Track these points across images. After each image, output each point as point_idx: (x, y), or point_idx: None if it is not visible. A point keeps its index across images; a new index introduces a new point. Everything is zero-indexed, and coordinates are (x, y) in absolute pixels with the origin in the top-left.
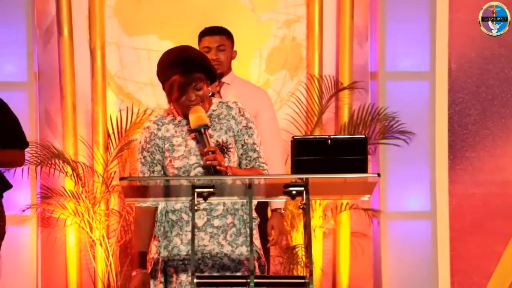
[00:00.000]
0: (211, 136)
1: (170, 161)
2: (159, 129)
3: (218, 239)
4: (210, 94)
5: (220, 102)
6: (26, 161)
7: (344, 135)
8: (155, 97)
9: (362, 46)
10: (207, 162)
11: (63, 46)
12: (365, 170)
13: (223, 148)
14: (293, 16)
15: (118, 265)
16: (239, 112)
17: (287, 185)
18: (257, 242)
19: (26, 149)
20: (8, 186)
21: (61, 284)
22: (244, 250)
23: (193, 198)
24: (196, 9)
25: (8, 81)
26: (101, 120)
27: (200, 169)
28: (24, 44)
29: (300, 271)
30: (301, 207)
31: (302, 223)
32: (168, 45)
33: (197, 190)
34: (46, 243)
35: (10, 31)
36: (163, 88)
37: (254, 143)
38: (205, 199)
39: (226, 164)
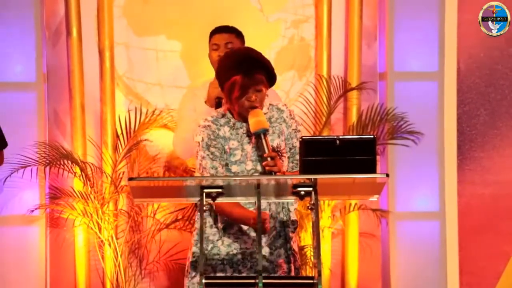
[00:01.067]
0: None
1: (227, 164)
2: (218, 129)
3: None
4: (217, 99)
5: (270, 104)
6: (35, 161)
7: (352, 135)
8: (163, 98)
9: (371, 46)
10: (267, 168)
11: (71, 47)
12: (373, 171)
13: (278, 153)
14: (302, 16)
15: (127, 266)
16: (290, 115)
17: (296, 186)
18: (294, 245)
19: (35, 149)
20: None
21: (70, 285)
22: (282, 252)
23: (202, 199)
24: (205, 9)
25: (17, 82)
26: (110, 121)
27: (256, 175)
28: (33, 44)
29: (309, 271)
30: (309, 207)
31: (310, 224)
32: (177, 45)
33: (205, 190)
34: (55, 244)
35: (19, 31)
36: (222, 89)
37: None
38: (213, 199)
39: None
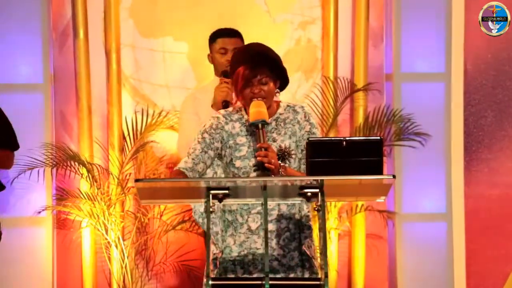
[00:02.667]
0: (274, 140)
1: (232, 160)
2: (226, 123)
3: (271, 243)
4: (224, 103)
5: (287, 106)
6: (42, 162)
7: (359, 136)
8: (170, 99)
9: (377, 47)
10: (258, 158)
11: (78, 48)
12: (380, 172)
13: (284, 154)
14: (308, 17)
15: (133, 267)
16: (305, 117)
17: (302, 187)
18: (311, 250)
19: (42, 151)
20: (1, 187)
21: (77, 286)
22: (295, 255)
23: (208, 200)
24: (212, 10)
25: (24, 83)
26: (117, 122)
27: (259, 172)
28: (40, 46)
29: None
30: (316, 209)
31: (317, 225)
32: (184, 46)
33: (212, 192)
34: (62, 245)
35: (26, 33)
36: (232, 82)
37: None
38: (220, 201)
39: (284, 165)
